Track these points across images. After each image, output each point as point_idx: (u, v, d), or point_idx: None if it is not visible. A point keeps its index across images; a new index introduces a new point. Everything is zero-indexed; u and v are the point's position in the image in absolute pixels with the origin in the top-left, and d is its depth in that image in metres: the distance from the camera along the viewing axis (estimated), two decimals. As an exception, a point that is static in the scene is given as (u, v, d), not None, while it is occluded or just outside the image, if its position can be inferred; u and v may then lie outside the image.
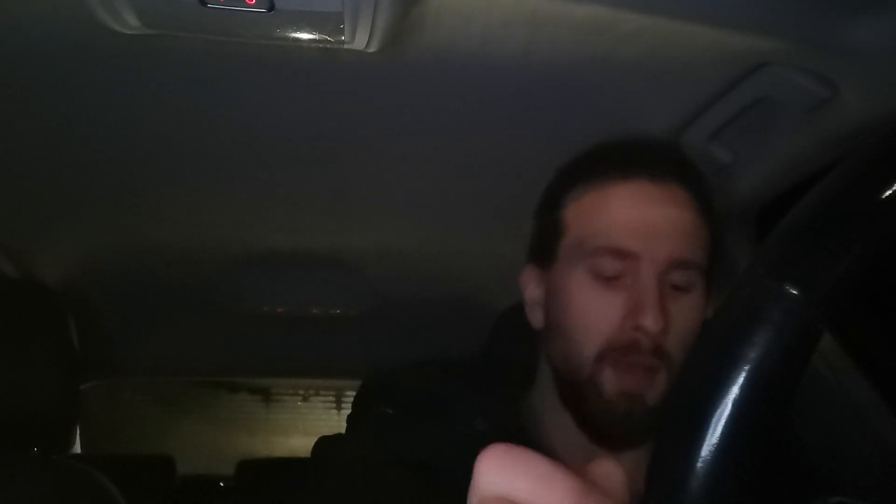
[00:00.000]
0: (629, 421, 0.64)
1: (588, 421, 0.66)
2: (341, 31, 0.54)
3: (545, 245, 0.72)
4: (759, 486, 0.32)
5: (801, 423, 0.90)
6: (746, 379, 0.30)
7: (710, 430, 0.30)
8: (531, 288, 0.73)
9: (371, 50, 0.57)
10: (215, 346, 1.45)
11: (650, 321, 0.62)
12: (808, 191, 0.34)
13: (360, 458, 0.67)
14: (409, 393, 0.73)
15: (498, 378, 0.77)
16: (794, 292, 0.30)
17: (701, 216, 0.68)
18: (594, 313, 0.65)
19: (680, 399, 0.33)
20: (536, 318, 0.73)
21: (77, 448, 1.62)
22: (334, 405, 3.47)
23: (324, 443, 0.73)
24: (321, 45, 0.56)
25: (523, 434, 0.70)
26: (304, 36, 0.55)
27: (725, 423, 0.30)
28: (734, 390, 0.30)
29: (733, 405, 0.30)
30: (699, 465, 0.30)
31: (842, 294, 0.31)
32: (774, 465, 0.35)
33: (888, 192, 0.31)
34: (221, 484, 1.78)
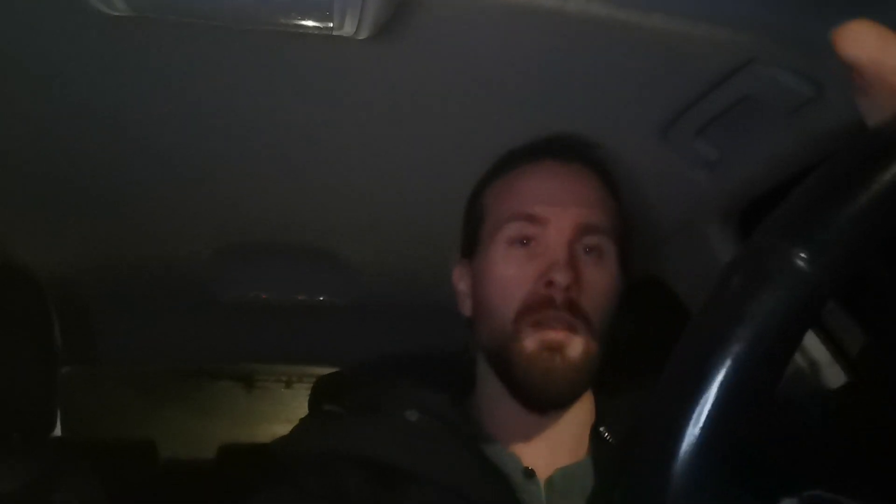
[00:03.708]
0: (552, 374, 0.67)
1: (515, 381, 0.69)
2: (330, 18, 0.54)
3: (469, 234, 0.77)
4: (737, 479, 0.33)
5: (780, 419, 0.91)
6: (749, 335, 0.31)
7: (707, 392, 0.31)
8: (461, 281, 0.78)
9: (360, 37, 0.57)
10: (199, 332, 1.45)
11: (559, 275, 0.66)
12: (791, 189, 0.34)
13: (307, 456, 0.71)
14: (356, 390, 0.76)
15: (460, 372, 0.79)
16: (803, 254, 0.31)
17: (605, 189, 0.75)
18: (510, 278, 0.70)
19: (679, 361, 0.34)
20: (466, 307, 0.77)
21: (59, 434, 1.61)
22: (317, 393, 3.45)
23: (278, 443, 0.76)
24: (310, 32, 0.56)
25: (463, 426, 0.73)
26: (294, 22, 0.55)
27: (721, 385, 0.31)
28: (735, 347, 0.31)
29: (733, 362, 0.31)
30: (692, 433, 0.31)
31: (848, 262, 0.31)
32: (752, 460, 0.36)
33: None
34: (203, 469, 1.78)
